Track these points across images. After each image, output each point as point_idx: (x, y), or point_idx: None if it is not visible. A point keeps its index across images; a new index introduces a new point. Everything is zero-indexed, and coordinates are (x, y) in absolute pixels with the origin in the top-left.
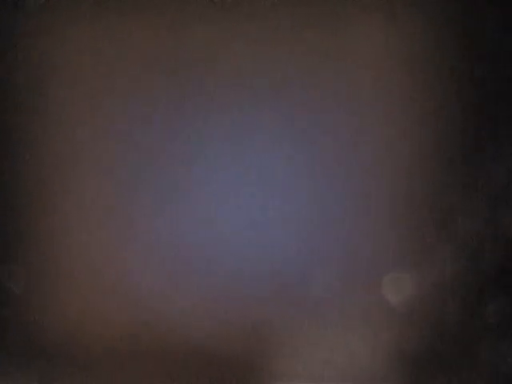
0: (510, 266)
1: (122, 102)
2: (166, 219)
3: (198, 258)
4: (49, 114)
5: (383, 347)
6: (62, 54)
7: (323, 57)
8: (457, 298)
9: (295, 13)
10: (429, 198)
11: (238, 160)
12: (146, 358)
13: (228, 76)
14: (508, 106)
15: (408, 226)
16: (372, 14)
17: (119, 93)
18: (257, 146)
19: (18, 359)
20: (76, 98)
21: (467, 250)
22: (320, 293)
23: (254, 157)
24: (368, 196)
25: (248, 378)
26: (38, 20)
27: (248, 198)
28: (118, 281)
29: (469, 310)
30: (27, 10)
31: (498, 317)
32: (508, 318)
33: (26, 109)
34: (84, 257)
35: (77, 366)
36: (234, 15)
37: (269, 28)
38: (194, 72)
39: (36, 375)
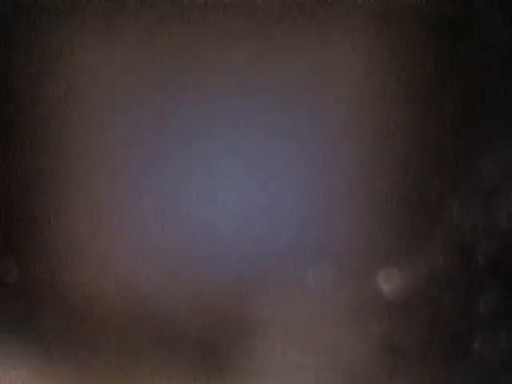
0: (503, 260)
1: (129, 101)
2: (166, 212)
3: (195, 253)
4: (52, 111)
5: (375, 341)
6: (68, 53)
7: (318, 60)
8: (450, 291)
9: (290, 20)
10: (421, 192)
11: (236, 155)
12: (143, 336)
13: (226, 75)
14: (499, 101)
15: (400, 220)
16: (363, 23)
17: (124, 93)
18: (255, 141)
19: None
20: (82, 97)
21: (460, 243)
22: (312, 287)
23: (251, 150)
24: (361, 189)
25: (235, 375)
26: (45, 20)
27: (244, 191)
28: (111, 262)
29: (462, 303)
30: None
31: (492, 310)
32: (501, 312)
33: (28, 104)
34: (84, 246)
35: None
36: (233, 21)
37: (264, 32)
38: (193, 70)
39: (36, 362)
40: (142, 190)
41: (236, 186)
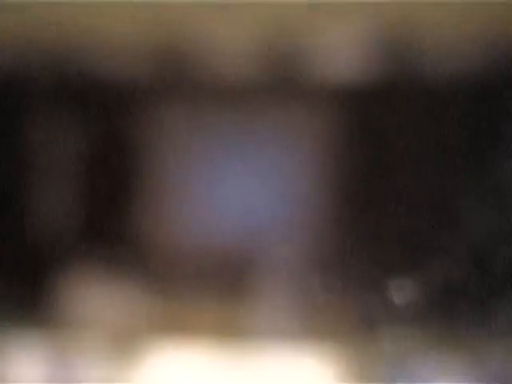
0: None
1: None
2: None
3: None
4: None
5: (389, 349)
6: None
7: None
8: (465, 298)
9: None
10: (437, 199)
11: (244, 175)
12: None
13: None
14: None
15: (416, 227)
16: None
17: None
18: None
19: None
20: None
21: (476, 250)
22: (324, 295)
23: (258, 169)
24: (375, 197)
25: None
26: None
27: (253, 202)
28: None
29: (478, 311)
30: None
31: (508, 318)
32: None
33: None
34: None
35: None
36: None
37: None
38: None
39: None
40: (196, 197)
41: (249, 205)
